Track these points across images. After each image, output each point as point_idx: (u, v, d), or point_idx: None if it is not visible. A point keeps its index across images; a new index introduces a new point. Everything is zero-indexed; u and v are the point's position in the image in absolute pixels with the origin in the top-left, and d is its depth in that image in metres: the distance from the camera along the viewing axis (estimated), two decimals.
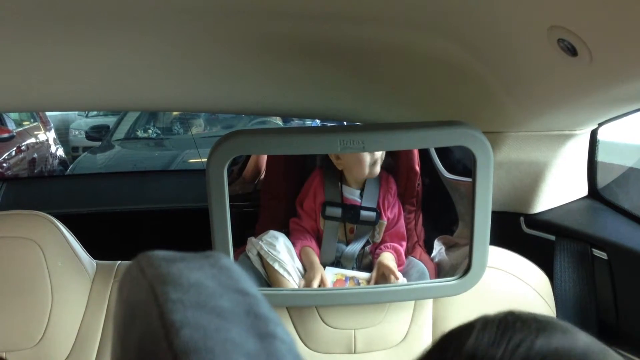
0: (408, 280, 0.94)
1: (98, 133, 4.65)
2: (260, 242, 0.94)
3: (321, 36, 0.84)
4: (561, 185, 1.14)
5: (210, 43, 0.87)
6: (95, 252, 1.05)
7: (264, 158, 0.97)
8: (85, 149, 4.95)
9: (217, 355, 0.27)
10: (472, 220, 0.86)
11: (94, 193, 1.99)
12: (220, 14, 0.76)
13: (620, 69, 0.67)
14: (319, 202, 0.95)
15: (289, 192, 0.97)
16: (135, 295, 0.33)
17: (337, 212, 0.95)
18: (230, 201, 0.84)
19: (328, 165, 0.95)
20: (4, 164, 4.05)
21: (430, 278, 0.95)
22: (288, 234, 0.96)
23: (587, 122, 1.02)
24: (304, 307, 0.98)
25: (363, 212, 0.95)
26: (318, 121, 2.71)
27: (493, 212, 0.87)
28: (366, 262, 0.97)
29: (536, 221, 1.16)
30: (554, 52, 0.66)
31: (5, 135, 4.12)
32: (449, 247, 0.97)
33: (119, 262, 1.04)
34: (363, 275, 0.95)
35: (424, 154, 0.96)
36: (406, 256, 0.96)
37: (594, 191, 1.18)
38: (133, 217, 1.81)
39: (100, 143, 4.41)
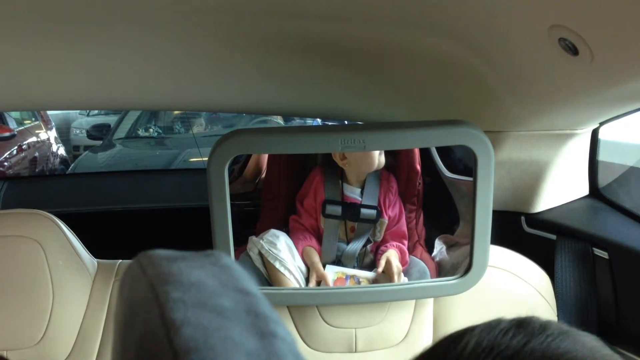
0: (409, 280, 0.94)
1: (99, 132, 4.65)
2: (261, 241, 0.94)
3: (322, 35, 0.84)
4: (562, 185, 1.14)
5: (212, 42, 0.87)
6: (96, 251, 1.05)
7: (265, 157, 0.97)
8: (86, 147, 4.96)
9: (218, 354, 0.27)
10: (473, 219, 0.86)
11: (95, 192, 1.99)
12: (221, 13, 0.76)
13: (622, 69, 0.67)
14: (320, 201, 0.95)
15: (289, 191, 0.97)
16: (136, 294, 0.33)
17: (337, 210, 0.95)
18: (231, 200, 0.84)
19: (328, 164, 0.95)
20: (5, 163, 4.05)
21: (431, 277, 0.95)
22: (289, 233, 0.96)
23: (588, 122, 1.02)
24: (305, 306, 0.98)
25: (363, 210, 0.95)
26: (319, 120, 2.70)
27: (494, 212, 0.87)
28: (367, 261, 0.97)
29: (537, 220, 1.16)
30: (555, 51, 0.66)
31: (7, 134, 4.12)
32: (450, 246, 0.97)
33: (120, 261, 1.04)
34: (364, 273, 0.95)
35: (425, 153, 0.96)
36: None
37: (595, 190, 1.18)
38: (134, 216, 1.81)
39: (101, 142, 4.41)
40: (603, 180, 1.17)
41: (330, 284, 0.93)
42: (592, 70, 0.68)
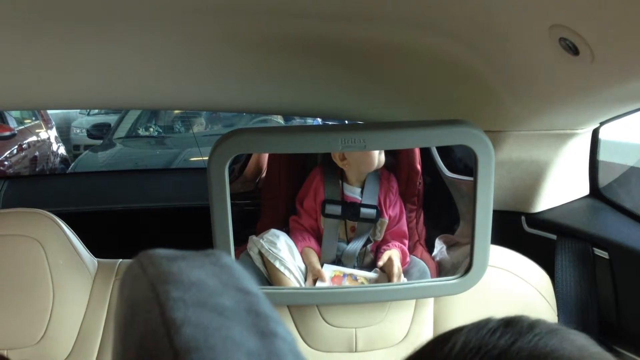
0: (409, 279, 0.94)
1: (99, 131, 4.65)
2: (261, 241, 0.94)
3: (323, 35, 0.84)
4: (562, 185, 1.14)
5: (212, 42, 0.87)
6: (96, 250, 1.05)
7: (265, 157, 0.97)
8: (86, 147, 4.96)
9: (218, 353, 0.27)
10: (473, 219, 0.86)
11: (96, 191, 1.99)
12: (221, 13, 0.76)
13: (622, 69, 0.67)
14: (319, 201, 0.95)
15: (290, 190, 0.97)
16: (137, 293, 0.33)
17: (337, 209, 0.95)
18: (231, 199, 0.84)
19: (328, 164, 0.95)
20: (6, 162, 4.05)
21: (432, 277, 0.95)
22: (289, 233, 0.96)
23: (588, 121, 1.02)
24: (305, 305, 0.98)
25: (363, 210, 0.95)
26: (319, 120, 2.70)
27: (494, 211, 0.87)
28: (367, 260, 0.97)
29: (537, 220, 1.16)
30: (555, 51, 0.66)
31: (7, 133, 4.12)
32: (450, 246, 0.97)
33: (120, 260, 1.04)
34: (362, 272, 0.95)
35: (425, 152, 0.96)
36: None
37: (595, 190, 1.17)
38: (134, 215, 1.82)
39: (101, 141, 4.42)
40: (603, 180, 1.17)
41: (328, 281, 0.93)
42: (592, 70, 0.68)
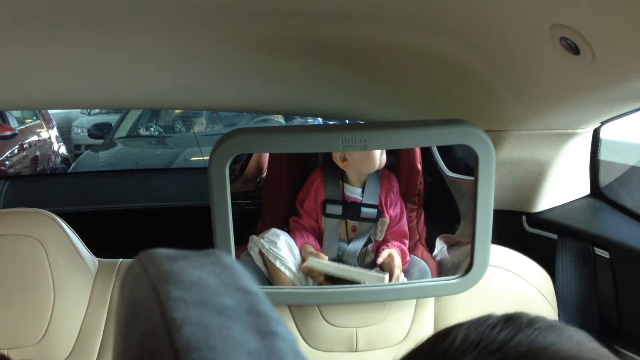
0: (409, 279, 0.94)
1: (100, 131, 4.65)
2: (262, 240, 0.94)
3: (323, 35, 0.84)
4: (563, 184, 1.14)
5: (212, 41, 0.87)
6: (97, 250, 1.05)
7: (266, 156, 0.97)
8: (87, 146, 4.97)
9: (219, 353, 0.27)
10: (474, 218, 0.86)
11: (96, 191, 1.99)
12: (222, 12, 0.76)
13: (623, 68, 0.67)
14: (320, 201, 0.95)
15: (290, 190, 0.97)
16: (137, 293, 0.33)
17: (337, 209, 0.95)
18: (232, 199, 0.84)
19: (329, 165, 0.95)
20: (7, 162, 4.05)
21: (432, 276, 0.95)
22: (289, 232, 0.96)
23: (589, 121, 1.02)
24: (306, 305, 0.98)
25: (364, 209, 0.95)
26: (320, 119, 2.70)
27: (495, 211, 0.87)
28: (368, 260, 0.97)
29: (538, 220, 1.16)
30: (556, 50, 0.66)
31: (8, 133, 4.12)
32: (451, 245, 0.97)
33: (121, 260, 1.04)
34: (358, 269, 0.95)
35: (426, 152, 0.96)
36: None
37: (596, 190, 1.17)
38: (135, 215, 1.82)
39: (102, 141, 4.42)
40: (604, 179, 1.17)
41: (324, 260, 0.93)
42: (593, 70, 0.68)
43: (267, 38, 0.85)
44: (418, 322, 1.00)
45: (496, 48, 0.77)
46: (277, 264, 0.93)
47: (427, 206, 0.98)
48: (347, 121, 1.46)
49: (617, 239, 1.01)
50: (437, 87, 1.02)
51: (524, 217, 1.18)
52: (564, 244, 1.08)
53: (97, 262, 1.03)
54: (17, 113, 4.53)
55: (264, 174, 0.98)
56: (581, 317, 1.04)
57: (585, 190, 1.17)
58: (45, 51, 0.87)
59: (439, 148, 0.97)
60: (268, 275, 0.94)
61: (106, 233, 1.43)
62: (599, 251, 1.03)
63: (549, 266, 1.06)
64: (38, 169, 4.50)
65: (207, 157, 0.83)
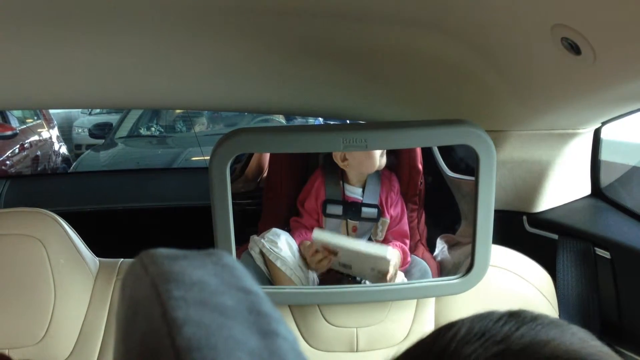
0: (410, 279, 0.94)
1: (101, 131, 4.66)
2: (263, 240, 0.94)
3: (324, 35, 0.84)
4: (564, 184, 1.14)
5: (213, 41, 0.87)
6: (97, 249, 1.05)
7: (267, 156, 0.97)
8: (88, 146, 4.97)
9: (220, 352, 0.27)
10: (474, 218, 0.86)
11: (97, 191, 1.99)
12: (222, 13, 0.76)
13: (624, 68, 0.67)
14: (320, 201, 0.95)
15: (291, 190, 0.97)
16: (138, 292, 0.33)
17: (338, 209, 0.95)
18: (232, 199, 0.84)
19: (329, 165, 0.95)
20: (7, 162, 4.05)
21: (433, 277, 0.95)
22: (290, 232, 0.96)
23: (590, 121, 1.02)
24: (306, 305, 0.98)
25: (364, 209, 0.95)
26: (321, 119, 2.71)
27: (496, 211, 0.87)
28: None
29: (539, 220, 1.16)
30: (557, 50, 0.66)
31: (9, 132, 4.12)
32: (452, 245, 0.97)
33: (122, 259, 1.04)
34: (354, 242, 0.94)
35: (427, 152, 0.96)
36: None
37: (597, 190, 1.17)
38: (136, 214, 1.82)
39: (103, 141, 4.42)
40: (605, 180, 1.17)
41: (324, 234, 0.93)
42: (594, 70, 0.68)
43: (268, 38, 0.85)
44: (419, 322, 1.00)
45: (497, 48, 0.77)
46: (278, 264, 0.93)
47: (428, 206, 0.98)
48: (347, 121, 1.46)
49: (617, 239, 1.01)
50: (438, 87, 1.02)
51: (524, 217, 1.18)
52: (564, 244, 1.08)
53: (97, 261, 1.03)
54: (18, 113, 4.53)
55: (265, 174, 0.98)
56: (582, 317, 1.04)
57: (586, 190, 1.17)
58: (46, 51, 0.87)
59: (440, 148, 0.97)
60: (269, 275, 0.94)
61: (107, 233, 1.43)
62: (599, 251, 1.03)
63: (550, 266, 1.06)
64: (39, 168, 4.51)
65: (208, 157, 0.83)
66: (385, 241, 0.96)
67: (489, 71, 0.85)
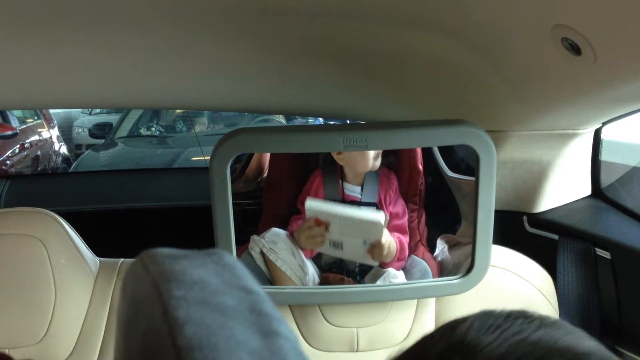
0: (410, 279, 0.94)
1: (101, 131, 4.66)
2: (263, 240, 0.94)
3: (324, 35, 0.84)
4: (564, 185, 1.14)
5: (213, 41, 0.87)
6: (98, 249, 1.05)
7: (267, 156, 0.97)
8: (88, 146, 4.97)
9: (221, 352, 0.27)
10: (475, 219, 0.86)
11: (97, 191, 1.99)
12: (223, 13, 0.76)
13: (625, 68, 0.67)
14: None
15: (291, 190, 0.97)
16: (139, 292, 0.33)
17: None
18: (233, 199, 0.84)
19: (328, 164, 0.95)
20: (8, 162, 4.05)
21: (433, 277, 0.95)
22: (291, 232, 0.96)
23: (590, 121, 1.02)
24: (307, 305, 0.98)
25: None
26: (321, 119, 2.71)
27: (496, 211, 0.87)
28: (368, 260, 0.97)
29: (539, 220, 1.15)
30: (557, 50, 0.66)
31: (9, 132, 4.12)
32: (452, 245, 0.97)
33: (122, 259, 1.04)
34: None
35: (427, 152, 0.96)
36: (409, 255, 0.96)
37: (597, 190, 1.17)
38: (136, 214, 1.82)
39: (103, 141, 4.43)
40: (605, 180, 1.17)
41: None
42: (594, 70, 0.68)
43: (268, 38, 0.85)
44: (419, 322, 1.00)
45: (497, 48, 0.77)
46: (278, 263, 0.93)
47: (428, 206, 0.98)
48: (347, 121, 1.46)
49: (618, 240, 1.01)
50: (438, 87, 1.02)
51: (525, 218, 1.18)
52: (565, 245, 1.08)
53: (98, 261, 1.03)
54: (18, 112, 4.53)
55: (265, 174, 0.98)
56: (582, 317, 1.04)
57: (587, 190, 1.17)
58: (46, 51, 0.87)
59: (440, 148, 0.97)
60: (269, 275, 0.94)
61: (107, 233, 1.43)
62: (600, 252, 1.03)
63: (550, 267, 1.06)
64: (39, 168, 4.51)
65: (208, 157, 0.83)
66: None
67: (489, 71, 0.85)
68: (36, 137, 4.63)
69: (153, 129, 4.34)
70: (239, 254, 0.92)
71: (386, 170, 0.96)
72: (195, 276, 0.33)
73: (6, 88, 1.05)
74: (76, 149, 5.61)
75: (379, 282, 0.94)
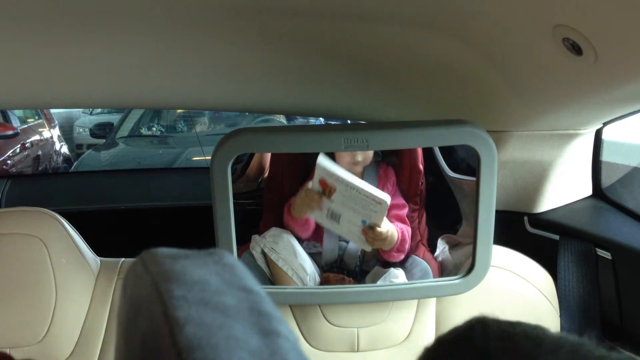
0: (411, 279, 0.94)
1: (102, 130, 4.66)
2: (264, 240, 0.94)
3: (325, 35, 0.84)
4: (565, 185, 1.14)
5: (215, 41, 0.87)
6: (99, 249, 1.05)
7: (268, 156, 0.97)
8: (89, 146, 4.97)
9: (221, 351, 0.27)
10: (475, 219, 0.86)
11: (98, 190, 1.99)
12: (224, 13, 0.76)
13: (625, 69, 0.67)
14: None
15: (292, 190, 0.97)
16: (139, 292, 0.33)
17: None
18: (233, 199, 0.84)
19: None
20: (9, 161, 4.06)
21: (434, 277, 0.95)
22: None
23: (591, 122, 1.02)
24: (307, 305, 0.98)
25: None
26: (322, 119, 2.71)
27: (497, 212, 0.87)
28: (369, 256, 0.97)
29: (540, 220, 1.15)
30: (559, 51, 0.66)
31: (10, 132, 4.12)
32: (453, 246, 0.97)
33: (123, 259, 1.04)
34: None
35: (428, 152, 0.96)
36: (409, 255, 0.96)
37: (598, 191, 1.17)
38: (137, 214, 1.82)
39: (104, 140, 4.42)
40: (606, 180, 1.17)
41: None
42: (596, 71, 0.68)
43: (270, 38, 0.85)
44: (420, 322, 1.00)
45: (499, 49, 0.77)
46: (279, 263, 0.93)
47: (429, 206, 0.98)
48: (348, 121, 1.46)
49: (618, 240, 1.00)
50: (440, 87, 1.02)
51: (525, 218, 1.18)
52: (565, 245, 1.08)
53: (99, 261, 1.03)
54: (19, 112, 4.54)
55: (266, 174, 0.98)
56: (583, 317, 1.03)
57: (587, 191, 1.17)
58: (47, 50, 0.87)
59: (441, 148, 0.97)
60: (270, 275, 0.94)
61: (108, 232, 1.43)
62: (600, 252, 1.03)
63: (551, 267, 1.06)
64: (40, 168, 4.51)
65: (209, 157, 0.83)
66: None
67: (490, 72, 0.85)
68: (37, 137, 4.63)
69: (154, 128, 4.34)
70: (240, 254, 0.92)
71: (384, 165, 0.96)
72: (195, 276, 0.33)
73: (7, 87, 1.05)
74: (77, 148, 5.61)
75: (379, 282, 0.94)
